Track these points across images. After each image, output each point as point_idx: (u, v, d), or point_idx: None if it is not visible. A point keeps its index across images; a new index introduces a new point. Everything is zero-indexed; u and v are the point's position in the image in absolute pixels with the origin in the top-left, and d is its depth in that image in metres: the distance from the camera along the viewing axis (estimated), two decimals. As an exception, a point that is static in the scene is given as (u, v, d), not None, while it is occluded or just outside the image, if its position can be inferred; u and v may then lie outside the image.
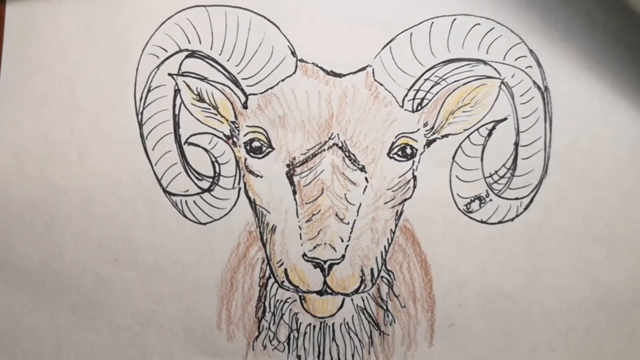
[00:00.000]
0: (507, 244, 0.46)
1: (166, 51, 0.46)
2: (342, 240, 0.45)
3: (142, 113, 0.46)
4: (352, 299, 0.46)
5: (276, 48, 0.45)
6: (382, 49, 0.45)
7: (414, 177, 0.46)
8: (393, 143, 0.45)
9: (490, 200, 0.46)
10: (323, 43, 0.45)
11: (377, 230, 0.46)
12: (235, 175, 0.46)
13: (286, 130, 0.45)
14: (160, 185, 0.46)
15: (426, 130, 0.46)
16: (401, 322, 0.46)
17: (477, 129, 0.46)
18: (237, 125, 0.46)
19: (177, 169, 0.46)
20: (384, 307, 0.46)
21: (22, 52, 0.46)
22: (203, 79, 0.46)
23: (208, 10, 0.45)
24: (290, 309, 0.46)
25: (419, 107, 0.46)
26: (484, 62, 0.45)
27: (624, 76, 0.45)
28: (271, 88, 0.45)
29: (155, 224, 0.46)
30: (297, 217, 0.45)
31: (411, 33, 0.45)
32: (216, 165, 0.46)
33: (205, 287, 0.46)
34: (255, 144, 0.46)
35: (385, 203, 0.46)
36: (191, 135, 0.46)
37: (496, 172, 0.46)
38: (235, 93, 0.46)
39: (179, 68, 0.46)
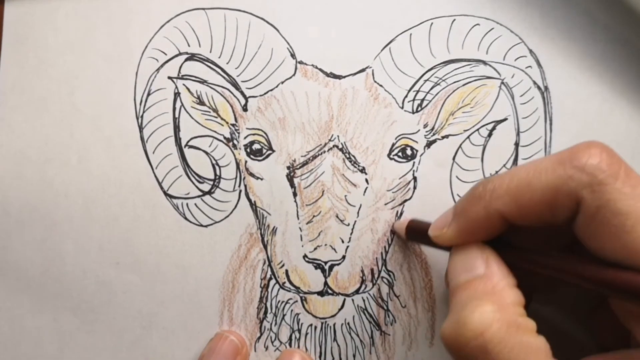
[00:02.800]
0: (508, 244, 0.46)
1: (166, 54, 0.46)
2: (343, 242, 0.45)
3: (142, 116, 0.46)
4: (352, 300, 0.46)
5: (275, 50, 0.45)
6: (381, 50, 0.45)
7: (414, 178, 0.46)
8: (393, 144, 0.45)
9: (491, 200, 0.46)
10: (322, 45, 0.45)
11: (378, 231, 0.46)
12: (235, 178, 0.46)
13: (286, 132, 0.45)
14: (161, 188, 0.46)
15: (426, 131, 0.46)
16: (402, 322, 0.46)
17: (478, 130, 0.46)
18: (237, 128, 0.46)
19: (177, 172, 0.46)
20: (385, 307, 0.46)
21: (20, 56, 0.46)
22: (203, 81, 0.45)
23: (207, 13, 0.45)
24: (292, 310, 0.46)
25: (419, 108, 0.45)
26: (484, 63, 0.45)
27: (624, 76, 0.45)
28: (271, 90, 0.45)
29: (156, 227, 0.46)
30: (298, 218, 0.45)
31: (410, 34, 0.45)
32: (217, 167, 0.46)
33: (207, 289, 0.46)
34: (256, 146, 0.46)
35: (386, 204, 0.46)
36: (191, 138, 0.46)
37: (497, 172, 0.46)
38: (235, 96, 0.45)
39: (179, 71, 0.45)
